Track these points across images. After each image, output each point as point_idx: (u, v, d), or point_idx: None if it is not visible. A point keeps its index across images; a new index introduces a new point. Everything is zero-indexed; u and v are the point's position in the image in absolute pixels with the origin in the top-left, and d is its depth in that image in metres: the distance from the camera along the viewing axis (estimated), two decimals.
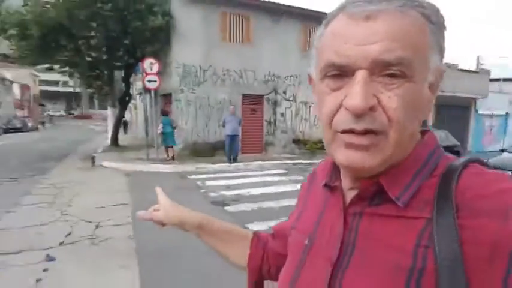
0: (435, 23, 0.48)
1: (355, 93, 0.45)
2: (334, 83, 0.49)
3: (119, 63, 12.96)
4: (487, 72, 18.05)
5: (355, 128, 0.46)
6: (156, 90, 10.22)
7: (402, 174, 0.50)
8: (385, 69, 0.45)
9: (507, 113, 19.43)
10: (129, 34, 11.24)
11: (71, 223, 4.91)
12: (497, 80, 19.06)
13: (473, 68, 18.63)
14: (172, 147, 10.47)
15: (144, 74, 9.87)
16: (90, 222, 4.98)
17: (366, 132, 0.46)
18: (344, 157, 0.49)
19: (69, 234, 4.48)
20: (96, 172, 9.26)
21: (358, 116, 0.46)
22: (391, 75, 0.45)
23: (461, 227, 0.43)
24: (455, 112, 17.27)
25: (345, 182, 0.58)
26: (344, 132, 0.48)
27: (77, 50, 11.49)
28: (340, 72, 0.48)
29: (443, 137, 10.88)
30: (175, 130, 10.60)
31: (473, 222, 0.43)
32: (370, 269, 0.48)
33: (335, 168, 0.61)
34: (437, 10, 0.49)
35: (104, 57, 12.05)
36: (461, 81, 16.37)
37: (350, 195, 0.56)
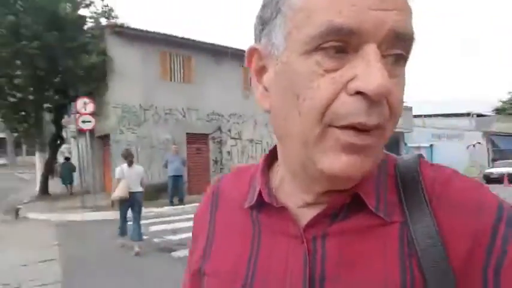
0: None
1: (375, 71, 0.34)
2: (331, 60, 0.36)
3: (48, 104, 12.02)
4: (410, 108, 20.00)
5: (366, 123, 0.36)
6: (91, 132, 9.52)
7: (368, 180, 0.43)
8: (393, 47, 0.37)
9: (431, 145, 21.48)
10: (60, 73, 10.57)
11: None
12: (420, 116, 21.15)
13: None
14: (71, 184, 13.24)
15: (78, 115, 9.17)
16: (7, 284, 4.14)
17: (373, 128, 0.37)
18: (340, 164, 0.37)
19: None
20: (21, 225, 8.12)
21: (376, 102, 0.35)
22: (397, 58, 0.37)
23: (439, 223, 0.40)
24: (388, 145, 18.61)
25: (294, 198, 0.46)
26: (345, 128, 0.36)
27: None
28: (342, 44, 0.36)
29: None
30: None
31: (450, 217, 0.41)
32: None
33: (266, 182, 0.48)
34: None
35: (31, 97, 11.10)
36: None
37: (303, 214, 0.45)
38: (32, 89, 10.91)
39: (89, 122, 9.20)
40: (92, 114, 9.33)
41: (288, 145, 0.42)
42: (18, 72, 10.62)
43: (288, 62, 0.39)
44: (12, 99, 11.30)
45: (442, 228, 0.40)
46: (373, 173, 0.43)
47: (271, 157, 0.51)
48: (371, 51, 0.35)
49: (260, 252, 0.46)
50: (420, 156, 0.47)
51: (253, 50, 0.45)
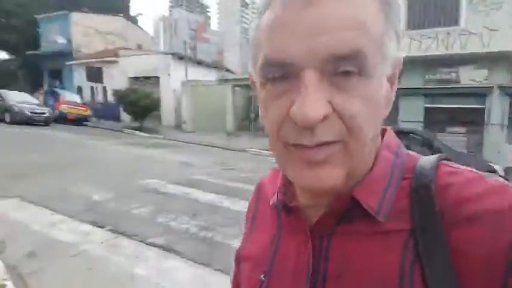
0: (389, 3, 0.40)
1: (303, 102, 0.36)
2: (276, 87, 0.39)
3: None
4: None
5: (307, 144, 0.37)
6: None
7: (375, 183, 0.43)
8: (338, 66, 0.36)
9: None
10: None
11: None
12: None
13: None
14: None
15: None
16: None
17: (320, 145, 0.38)
18: (300, 176, 0.40)
19: None
20: None
21: (308, 128, 0.37)
22: (346, 73, 0.36)
23: (449, 235, 0.38)
24: None
25: (304, 198, 0.48)
26: (296, 146, 0.39)
27: None
28: (283, 73, 0.38)
29: None
30: None
31: (462, 231, 0.38)
32: None
33: (289, 183, 0.51)
34: None
35: None
36: None
37: (311, 213, 0.47)
38: None
39: None
40: None
41: None
42: None
43: (257, 89, 0.44)
44: None
45: (452, 242, 0.37)
46: (383, 175, 0.43)
47: None
48: (306, 79, 0.36)
49: (280, 245, 0.50)
50: (442, 157, 0.45)
51: (251, 75, 0.48)
